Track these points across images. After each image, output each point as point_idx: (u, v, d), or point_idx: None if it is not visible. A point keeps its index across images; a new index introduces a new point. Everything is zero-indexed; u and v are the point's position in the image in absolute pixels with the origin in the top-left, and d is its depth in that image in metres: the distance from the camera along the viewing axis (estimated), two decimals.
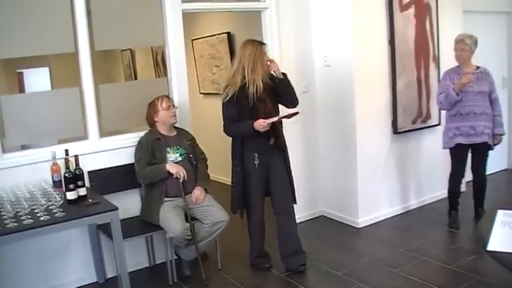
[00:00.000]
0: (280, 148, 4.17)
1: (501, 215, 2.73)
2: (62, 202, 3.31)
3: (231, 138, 4.16)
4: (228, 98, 3.97)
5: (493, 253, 2.34)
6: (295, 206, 4.34)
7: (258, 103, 3.97)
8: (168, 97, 4.21)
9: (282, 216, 4.21)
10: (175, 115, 4.16)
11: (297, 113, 3.99)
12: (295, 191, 4.31)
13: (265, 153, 4.08)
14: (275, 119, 3.91)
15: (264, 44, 4.07)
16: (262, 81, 3.93)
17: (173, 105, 4.18)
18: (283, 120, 4.04)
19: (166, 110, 4.11)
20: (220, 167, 6.00)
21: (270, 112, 4.00)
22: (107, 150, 4.21)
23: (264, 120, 3.87)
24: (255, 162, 4.06)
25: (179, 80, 4.54)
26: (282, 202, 4.20)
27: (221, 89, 4.19)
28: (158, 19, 4.43)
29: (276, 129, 4.05)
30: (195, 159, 4.26)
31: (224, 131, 4.07)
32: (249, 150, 4.06)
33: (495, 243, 2.40)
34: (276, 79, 4.05)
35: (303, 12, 5.26)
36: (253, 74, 3.91)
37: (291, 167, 4.27)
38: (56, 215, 3.17)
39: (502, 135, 4.86)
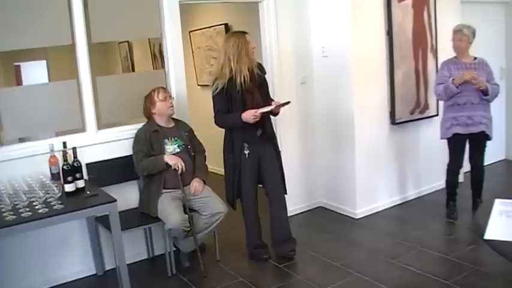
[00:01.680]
0: (269, 137, 4.21)
1: (498, 204, 2.75)
2: (60, 194, 3.31)
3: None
4: (217, 90, 4.03)
5: (491, 242, 2.35)
6: (287, 196, 4.40)
7: (246, 94, 4.02)
8: (164, 88, 4.20)
9: (274, 203, 4.28)
10: (172, 106, 4.16)
11: (288, 102, 4.05)
12: (286, 181, 4.37)
13: (254, 143, 4.12)
14: (266, 109, 3.95)
15: (246, 33, 4.09)
16: (248, 70, 4.00)
17: (170, 96, 4.18)
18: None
19: (163, 101, 4.10)
20: (218, 158, 5.97)
21: (258, 104, 4.04)
22: (105, 143, 4.21)
23: (256, 110, 3.91)
24: (245, 152, 4.10)
25: (177, 72, 4.53)
26: (273, 190, 4.26)
27: (210, 82, 4.22)
28: (155, 11, 4.41)
29: (262, 120, 4.07)
30: (193, 151, 4.26)
31: (215, 122, 4.12)
32: (238, 140, 4.10)
33: (492, 232, 2.41)
34: (263, 72, 4.21)
35: (300, 3, 5.24)
36: (239, 64, 3.98)
37: (286, 157, 4.32)
38: (55, 207, 3.17)
39: (486, 88, 4.60)
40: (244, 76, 3.96)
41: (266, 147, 4.19)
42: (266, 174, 4.21)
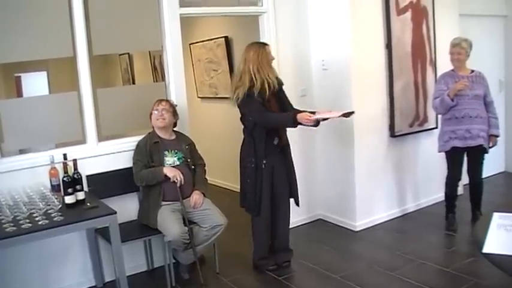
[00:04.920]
0: (284, 148, 4.27)
1: (496, 217, 2.75)
2: (60, 206, 3.32)
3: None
4: (242, 97, 4.06)
5: (489, 255, 2.36)
6: (299, 207, 4.46)
7: (265, 102, 4.07)
8: (161, 101, 4.18)
9: (279, 213, 4.33)
10: (162, 118, 4.10)
11: (352, 112, 4.05)
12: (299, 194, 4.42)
13: (271, 154, 4.16)
14: (324, 116, 3.98)
15: (266, 44, 4.22)
16: (268, 80, 4.05)
17: (166, 110, 4.12)
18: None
19: (155, 113, 4.12)
20: (217, 171, 6.01)
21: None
22: (105, 155, 4.22)
23: (310, 115, 3.93)
24: (264, 162, 4.12)
25: (177, 84, 4.55)
26: (280, 201, 4.31)
27: (230, 93, 4.24)
28: (156, 23, 4.44)
29: (279, 129, 4.13)
30: (193, 164, 4.26)
31: (258, 122, 4.07)
32: (260, 149, 4.12)
33: (491, 246, 2.41)
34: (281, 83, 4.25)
35: (300, 16, 5.28)
36: (260, 74, 4.04)
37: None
38: (55, 219, 3.17)
39: (497, 136, 4.87)
40: (269, 83, 4.03)
41: (280, 158, 4.25)
42: (276, 184, 4.25)
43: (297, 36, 5.28)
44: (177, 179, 3.99)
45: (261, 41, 4.93)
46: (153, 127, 4.20)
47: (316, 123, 3.99)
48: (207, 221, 4.07)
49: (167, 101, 4.24)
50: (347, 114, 3.98)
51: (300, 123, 3.96)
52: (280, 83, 4.25)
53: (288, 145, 4.33)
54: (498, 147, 5.11)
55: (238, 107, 4.14)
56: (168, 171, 4.01)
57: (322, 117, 3.98)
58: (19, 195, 3.53)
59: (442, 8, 5.64)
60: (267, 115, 4.07)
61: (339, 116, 3.97)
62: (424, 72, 5.53)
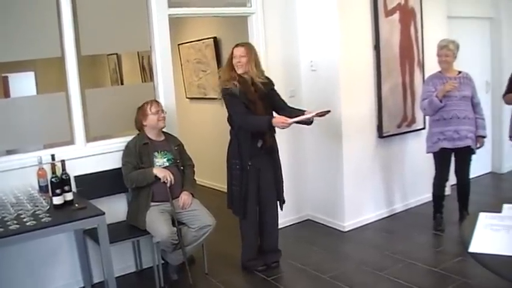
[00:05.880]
0: (270, 150, 4.26)
1: (483, 217, 2.78)
2: (48, 207, 3.30)
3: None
4: (227, 95, 4.09)
5: (475, 255, 2.38)
6: (282, 210, 4.42)
7: (250, 104, 4.06)
8: (157, 102, 4.22)
9: (265, 213, 4.34)
10: (163, 119, 4.16)
11: (328, 111, 4.04)
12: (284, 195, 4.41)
13: (257, 156, 4.16)
14: (298, 119, 3.97)
15: (239, 45, 4.18)
16: (237, 82, 4.07)
17: (162, 110, 4.18)
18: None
19: (155, 115, 4.11)
20: (206, 172, 6.01)
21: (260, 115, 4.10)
22: (94, 155, 4.20)
23: (286, 119, 3.94)
24: (249, 163, 4.12)
25: (165, 85, 4.54)
26: (265, 201, 4.31)
27: (218, 85, 4.28)
28: (145, 24, 4.43)
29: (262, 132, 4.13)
30: (182, 165, 4.26)
31: (239, 125, 4.11)
32: (246, 151, 4.13)
33: (477, 245, 2.44)
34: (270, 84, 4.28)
35: (289, 17, 5.29)
36: (223, 75, 4.16)
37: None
38: (43, 220, 3.15)
39: (484, 137, 4.91)
40: (246, 86, 4.05)
41: (266, 160, 4.25)
42: (262, 186, 4.25)
43: (286, 36, 5.29)
44: (167, 180, 3.98)
45: (249, 41, 4.96)
46: (140, 128, 4.20)
47: (307, 122, 4.02)
48: (195, 221, 4.06)
49: (158, 102, 4.26)
50: (322, 114, 3.99)
51: (274, 127, 3.99)
52: (270, 86, 4.27)
53: (275, 147, 4.33)
54: (485, 148, 5.17)
55: (225, 102, 4.15)
56: (158, 171, 4.00)
57: (297, 120, 3.97)
58: (6, 196, 3.51)
59: (430, 9, 5.69)
60: (246, 118, 4.05)
61: (314, 116, 3.97)
62: (412, 73, 5.56)
